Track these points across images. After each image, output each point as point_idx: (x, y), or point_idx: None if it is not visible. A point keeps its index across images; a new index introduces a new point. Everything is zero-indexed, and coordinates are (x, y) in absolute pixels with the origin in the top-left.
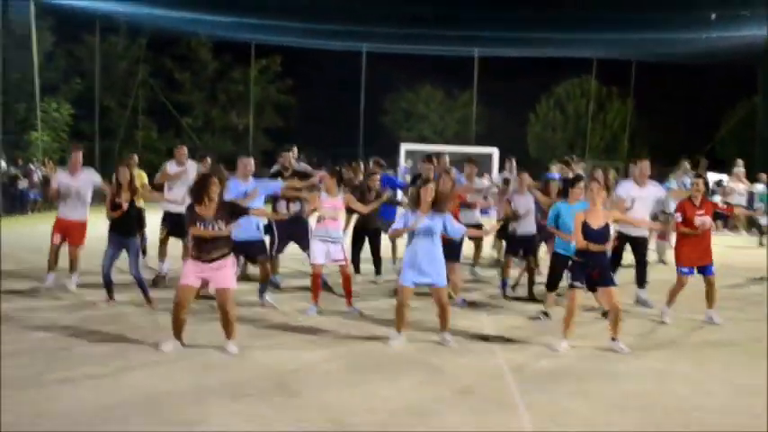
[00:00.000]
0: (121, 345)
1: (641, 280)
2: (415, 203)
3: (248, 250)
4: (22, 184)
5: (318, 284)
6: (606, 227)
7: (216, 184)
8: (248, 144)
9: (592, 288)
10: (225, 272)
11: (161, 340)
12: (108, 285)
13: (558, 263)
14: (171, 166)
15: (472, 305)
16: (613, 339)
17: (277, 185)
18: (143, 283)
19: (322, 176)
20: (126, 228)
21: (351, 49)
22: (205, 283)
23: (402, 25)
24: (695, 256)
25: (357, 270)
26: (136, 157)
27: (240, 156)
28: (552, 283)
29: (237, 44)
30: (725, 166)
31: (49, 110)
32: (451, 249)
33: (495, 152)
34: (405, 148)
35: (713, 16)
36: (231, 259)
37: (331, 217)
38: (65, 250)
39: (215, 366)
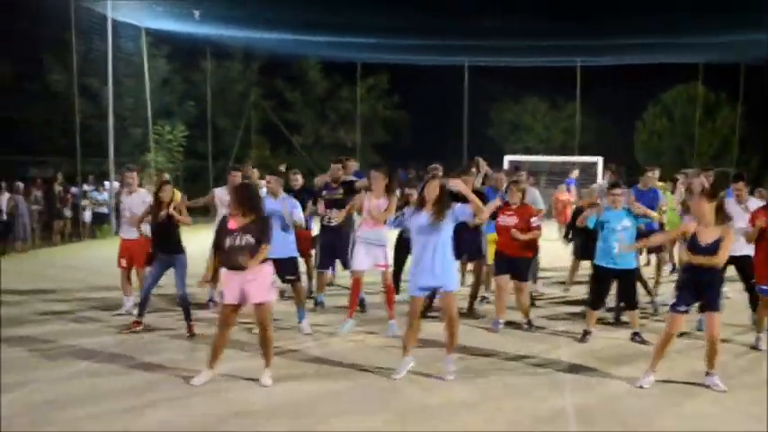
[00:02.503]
0: (155, 375)
1: (754, 302)
2: (420, 202)
3: (278, 269)
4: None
5: (357, 293)
6: (717, 243)
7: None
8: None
9: (702, 310)
10: (261, 283)
11: (195, 373)
12: (143, 305)
13: (601, 276)
14: (220, 191)
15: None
16: (708, 374)
17: (297, 208)
18: (187, 305)
19: (371, 176)
20: (171, 245)
21: (454, 64)
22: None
23: (503, 38)
24: None
25: (397, 290)
26: (166, 175)
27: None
28: (595, 300)
29: (345, 64)
30: None
31: (163, 132)
32: (520, 268)
33: (599, 161)
34: (508, 159)
35: None
36: (269, 269)
37: (374, 218)
38: None
39: (241, 402)
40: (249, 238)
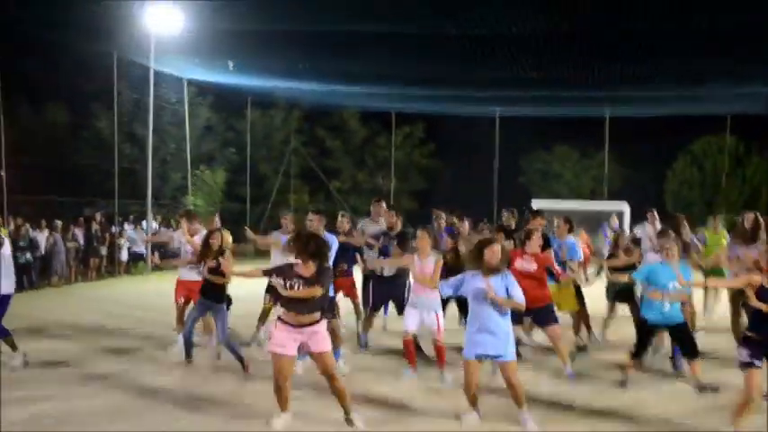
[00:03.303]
0: (219, 416)
1: None
2: (477, 264)
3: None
4: (174, 244)
5: (412, 351)
6: None
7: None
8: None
9: None
10: (319, 336)
11: (270, 415)
12: (188, 346)
13: (645, 329)
14: (277, 235)
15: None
16: None
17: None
18: (234, 348)
19: (418, 235)
20: (215, 293)
21: (486, 114)
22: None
23: (533, 89)
24: None
25: None
26: (217, 221)
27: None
28: (638, 352)
29: (382, 113)
30: None
31: (204, 177)
32: (545, 314)
33: (625, 207)
34: (535, 204)
35: None
36: (324, 324)
37: (421, 282)
38: None
39: None
40: (302, 285)
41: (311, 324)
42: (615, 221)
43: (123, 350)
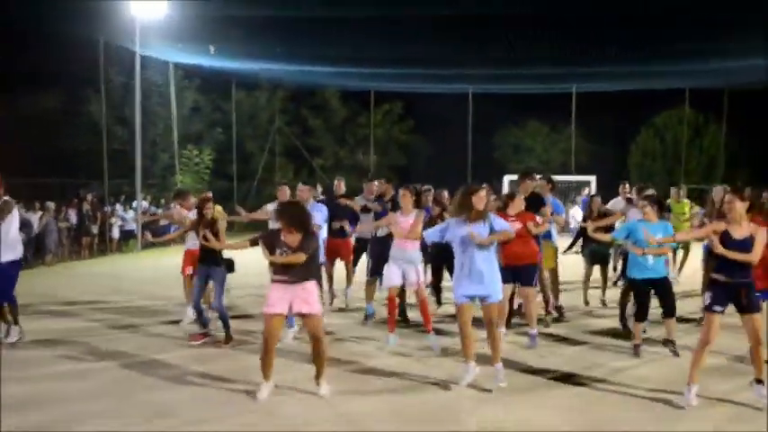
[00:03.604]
0: (209, 390)
1: None
2: (465, 211)
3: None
4: (163, 220)
5: (394, 310)
6: (751, 239)
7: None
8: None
9: (740, 311)
10: (310, 294)
11: (256, 387)
12: (200, 317)
13: (639, 289)
14: (272, 206)
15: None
16: (758, 382)
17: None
18: (225, 317)
19: (401, 194)
20: (210, 257)
21: (460, 92)
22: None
23: (504, 67)
24: None
25: (438, 301)
26: (209, 194)
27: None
28: (639, 312)
29: (361, 92)
30: None
31: (191, 156)
32: (525, 274)
33: (592, 180)
34: (507, 178)
35: None
36: (314, 284)
37: (403, 236)
38: None
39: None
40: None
41: (301, 281)
42: (586, 190)
43: (118, 326)
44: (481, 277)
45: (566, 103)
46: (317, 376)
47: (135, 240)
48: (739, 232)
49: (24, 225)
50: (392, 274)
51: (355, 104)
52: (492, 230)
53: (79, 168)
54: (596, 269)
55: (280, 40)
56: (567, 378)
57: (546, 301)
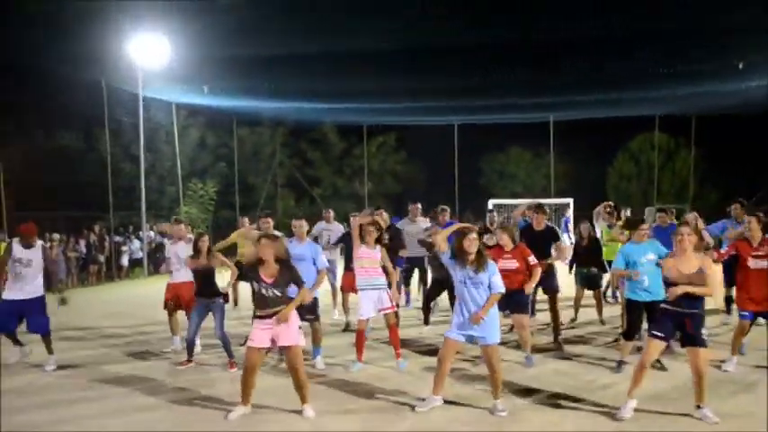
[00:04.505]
0: (192, 410)
1: None
2: (462, 255)
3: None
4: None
5: (362, 341)
6: (700, 272)
7: (267, 246)
8: (366, 207)
9: (683, 344)
10: (290, 327)
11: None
12: (190, 348)
13: (632, 308)
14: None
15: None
16: (698, 407)
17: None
18: (227, 344)
19: (363, 228)
20: (210, 290)
21: (446, 123)
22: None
23: (484, 98)
24: (758, 299)
25: (426, 321)
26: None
27: (294, 218)
28: (629, 331)
29: (356, 126)
30: None
31: (196, 188)
32: (518, 302)
33: (570, 202)
34: (492, 202)
35: (740, 65)
36: (295, 315)
37: (371, 266)
38: None
39: None
40: (277, 292)
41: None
42: (569, 212)
43: (126, 351)
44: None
45: (545, 131)
46: (302, 401)
47: (141, 268)
48: (688, 266)
49: None
50: (365, 307)
51: (352, 137)
52: (489, 282)
53: (91, 201)
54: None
55: (275, 77)
56: (557, 396)
57: (557, 328)
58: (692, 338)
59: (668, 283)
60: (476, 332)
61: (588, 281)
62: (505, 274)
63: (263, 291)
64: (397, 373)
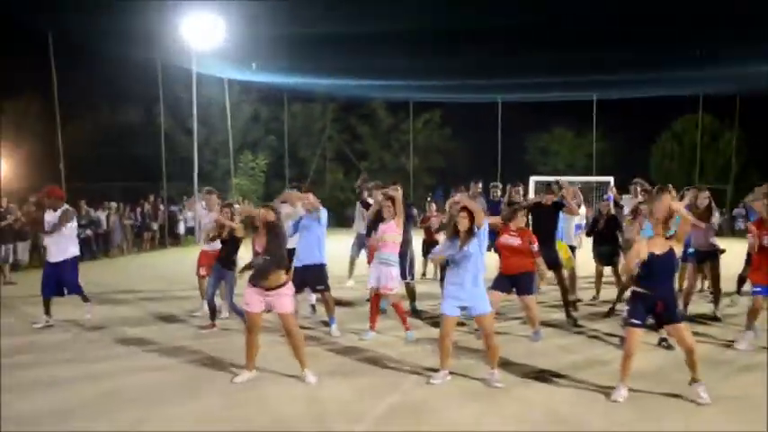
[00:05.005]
0: (202, 371)
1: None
2: (452, 233)
3: (306, 277)
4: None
5: (375, 308)
6: (669, 253)
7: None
8: (411, 182)
9: (659, 325)
10: (283, 299)
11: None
12: (212, 311)
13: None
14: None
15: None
16: (693, 381)
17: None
18: (241, 312)
19: (384, 203)
20: (225, 260)
21: (490, 101)
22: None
23: (530, 76)
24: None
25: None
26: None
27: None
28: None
29: (404, 102)
30: None
31: (246, 161)
32: (522, 283)
33: (611, 180)
34: (533, 179)
35: None
36: (289, 287)
37: (386, 240)
38: None
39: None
40: (268, 259)
41: (276, 288)
42: (613, 189)
43: (157, 314)
44: (466, 291)
45: (589, 110)
46: (301, 366)
47: (194, 236)
48: (660, 247)
49: (93, 222)
50: (372, 276)
51: (400, 113)
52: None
53: (147, 173)
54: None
55: (323, 56)
56: (561, 374)
57: (567, 303)
58: (667, 317)
59: (642, 265)
60: (466, 302)
61: (604, 257)
62: (507, 249)
63: (256, 261)
64: (405, 343)
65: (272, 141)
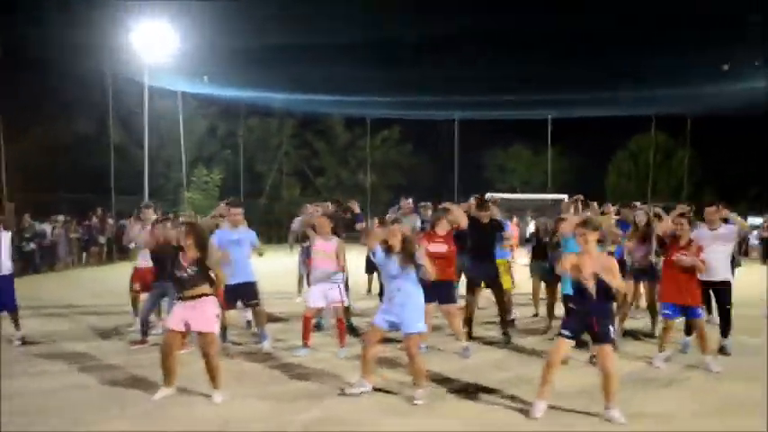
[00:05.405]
0: (120, 390)
1: (725, 329)
2: (387, 246)
3: (240, 294)
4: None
5: (308, 327)
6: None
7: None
8: (368, 198)
9: (594, 342)
10: (205, 313)
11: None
12: (144, 327)
13: (567, 304)
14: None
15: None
16: (607, 408)
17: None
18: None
19: (319, 219)
20: (166, 274)
21: (448, 118)
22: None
23: (486, 95)
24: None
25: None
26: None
27: (230, 205)
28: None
29: (361, 119)
30: None
31: (200, 175)
32: (444, 292)
33: (565, 197)
34: (487, 196)
35: (725, 67)
36: (213, 301)
37: (325, 258)
38: None
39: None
40: (193, 275)
41: (199, 297)
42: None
43: (93, 329)
44: (400, 308)
45: (545, 129)
46: (213, 386)
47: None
48: (589, 266)
49: (37, 235)
50: (313, 295)
51: (357, 130)
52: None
53: (96, 186)
54: None
55: (282, 68)
56: (489, 390)
57: (504, 321)
58: (598, 336)
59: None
60: (396, 318)
61: (543, 274)
62: (436, 256)
63: (181, 273)
64: (338, 359)
65: (228, 156)
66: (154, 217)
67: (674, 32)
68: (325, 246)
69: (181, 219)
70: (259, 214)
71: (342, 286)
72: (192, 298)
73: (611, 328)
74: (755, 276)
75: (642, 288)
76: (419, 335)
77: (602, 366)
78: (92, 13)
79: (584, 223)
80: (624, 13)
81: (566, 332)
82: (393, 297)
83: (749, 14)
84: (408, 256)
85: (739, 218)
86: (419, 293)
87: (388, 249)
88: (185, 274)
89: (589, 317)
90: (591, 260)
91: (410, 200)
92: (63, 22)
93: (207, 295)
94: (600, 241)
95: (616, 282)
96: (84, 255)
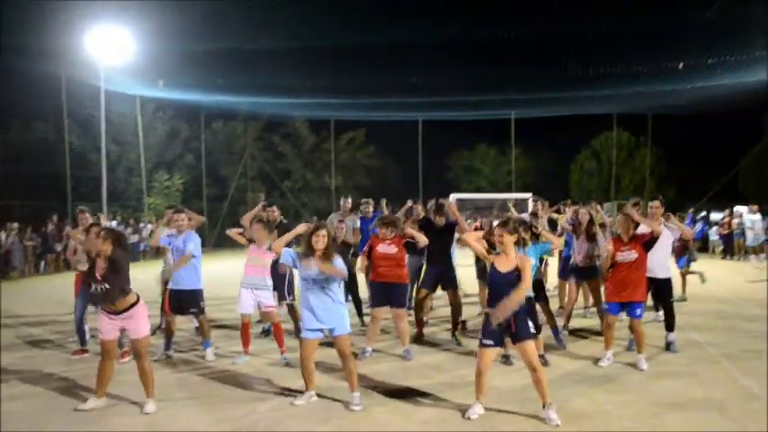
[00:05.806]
0: (54, 400)
1: (670, 323)
2: (308, 249)
3: (183, 301)
4: (134, 237)
5: (247, 334)
6: (515, 271)
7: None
8: (333, 201)
9: (514, 342)
10: (137, 321)
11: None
12: (80, 334)
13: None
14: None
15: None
16: (543, 405)
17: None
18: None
19: (255, 226)
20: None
21: (412, 119)
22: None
23: (447, 95)
24: (621, 293)
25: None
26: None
27: (174, 211)
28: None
29: (326, 121)
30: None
31: (161, 180)
32: (396, 295)
33: (529, 197)
34: (453, 196)
35: (681, 65)
36: (142, 307)
37: (258, 264)
38: None
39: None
40: (107, 288)
41: (126, 309)
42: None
43: (36, 339)
44: (325, 312)
45: (509, 128)
46: (146, 394)
47: None
48: (506, 265)
49: None
50: (244, 302)
51: (322, 132)
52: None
53: (52, 192)
54: None
55: (239, 72)
56: (426, 393)
57: (456, 323)
58: (517, 335)
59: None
60: (325, 324)
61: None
62: (383, 258)
63: (94, 287)
64: (281, 365)
65: (191, 160)
66: (91, 221)
67: (631, 30)
68: (257, 252)
69: (103, 225)
70: (223, 218)
71: (269, 292)
72: (121, 312)
73: (530, 324)
74: (715, 271)
75: (587, 287)
76: (348, 335)
77: (528, 363)
78: (46, 15)
79: (503, 224)
80: (583, 12)
81: (487, 341)
82: (314, 303)
83: (700, 13)
84: (329, 257)
85: (681, 224)
86: (340, 293)
87: (307, 253)
88: (98, 290)
89: (507, 321)
90: (507, 260)
91: (349, 200)
92: (16, 24)
93: (135, 304)
94: None
95: (524, 284)
96: (43, 263)
